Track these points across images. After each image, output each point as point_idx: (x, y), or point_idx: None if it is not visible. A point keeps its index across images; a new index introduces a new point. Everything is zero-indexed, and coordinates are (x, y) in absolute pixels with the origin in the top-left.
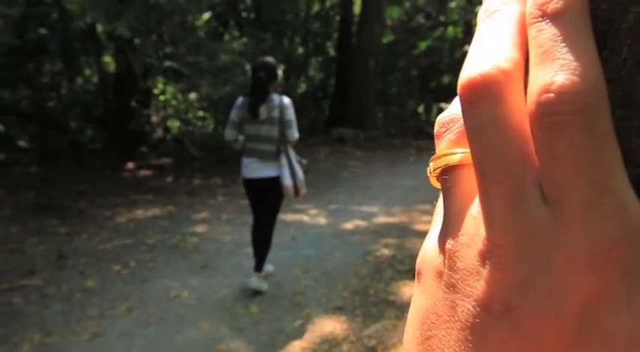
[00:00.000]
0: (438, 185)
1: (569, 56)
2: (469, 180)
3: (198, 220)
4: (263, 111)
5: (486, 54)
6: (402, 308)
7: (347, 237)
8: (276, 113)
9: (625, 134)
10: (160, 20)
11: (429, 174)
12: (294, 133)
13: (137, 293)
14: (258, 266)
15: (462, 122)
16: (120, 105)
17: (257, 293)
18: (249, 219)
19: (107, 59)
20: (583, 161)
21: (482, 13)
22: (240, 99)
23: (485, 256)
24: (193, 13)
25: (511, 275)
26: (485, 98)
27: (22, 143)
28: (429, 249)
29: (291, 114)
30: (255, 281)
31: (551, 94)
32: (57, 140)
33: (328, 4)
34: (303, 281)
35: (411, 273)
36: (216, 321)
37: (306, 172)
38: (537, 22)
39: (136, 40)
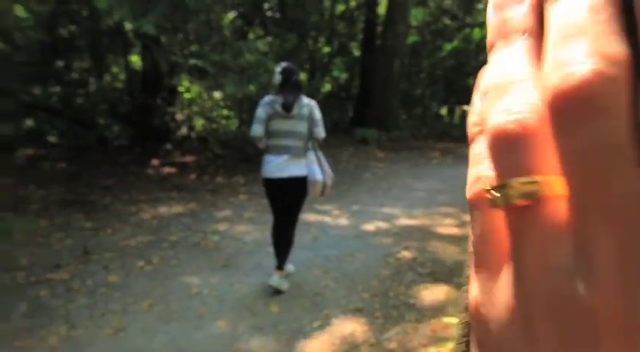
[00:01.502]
0: (496, 221)
1: (596, 39)
2: (551, 217)
3: (220, 218)
4: (295, 106)
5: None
6: (422, 311)
7: (368, 239)
8: (305, 110)
9: None
10: (185, 18)
11: (493, 202)
12: (322, 131)
13: (159, 289)
14: (280, 265)
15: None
16: (145, 102)
17: (277, 292)
18: (270, 217)
19: (134, 57)
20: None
21: (491, 8)
22: (267, 97)
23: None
24: (218, 12)
25: None
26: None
27: (52, 139)
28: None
29: (318, 113)
30: (277, 279)
31: (568, 84)
32: (85, 136)
33: (353, 4)
34: (323, 282)
35: (431, 276)
36: (236, 319)
37: None
38: None
39: (163, 38)
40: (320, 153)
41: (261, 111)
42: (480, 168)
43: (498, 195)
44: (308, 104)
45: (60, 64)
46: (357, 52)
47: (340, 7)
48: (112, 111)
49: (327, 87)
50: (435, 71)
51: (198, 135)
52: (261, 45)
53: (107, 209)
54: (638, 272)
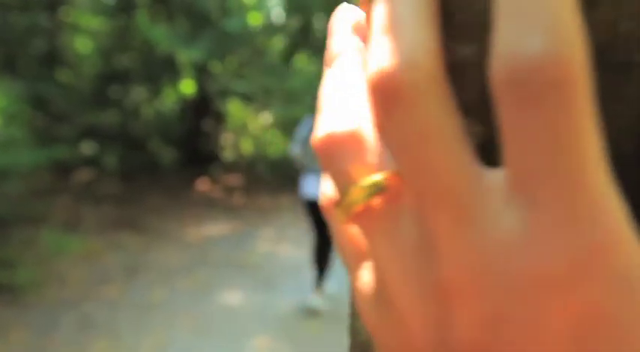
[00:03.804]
0: (350, 234)
1: (545, 11)
2: (398, 207)
3: (264, 238)
4: None
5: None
6: None
7: None
8: None
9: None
10: (231, 46)
11: (340, 216)
12: None
13: (201, 307)
14: (319, 285)
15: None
16: (195, 127)
17: (316, 312)
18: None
19: (186, 85)
20: (559, 147)
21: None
22: (310, 118)
23: (436, 300)
24: (263, 38)
25: (474, 314)
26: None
27: (109, 163)
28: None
29: None
30: (315, 300)
31: (523, 60)
32: (138, 160)
33: None
34: None
35: None
36: (276, 338)
37: None
38: None
39: (211, 65)
40: None
41: (301, 131)
42: (327, 176)
43: (339, 207)
44: None
45: (116, 91)
46: None
47: None
48: (164, 136)
49: None
50: None
51: (246, 157)
52: (308, 69)
53: (155, 229)
54: (478, 254)
